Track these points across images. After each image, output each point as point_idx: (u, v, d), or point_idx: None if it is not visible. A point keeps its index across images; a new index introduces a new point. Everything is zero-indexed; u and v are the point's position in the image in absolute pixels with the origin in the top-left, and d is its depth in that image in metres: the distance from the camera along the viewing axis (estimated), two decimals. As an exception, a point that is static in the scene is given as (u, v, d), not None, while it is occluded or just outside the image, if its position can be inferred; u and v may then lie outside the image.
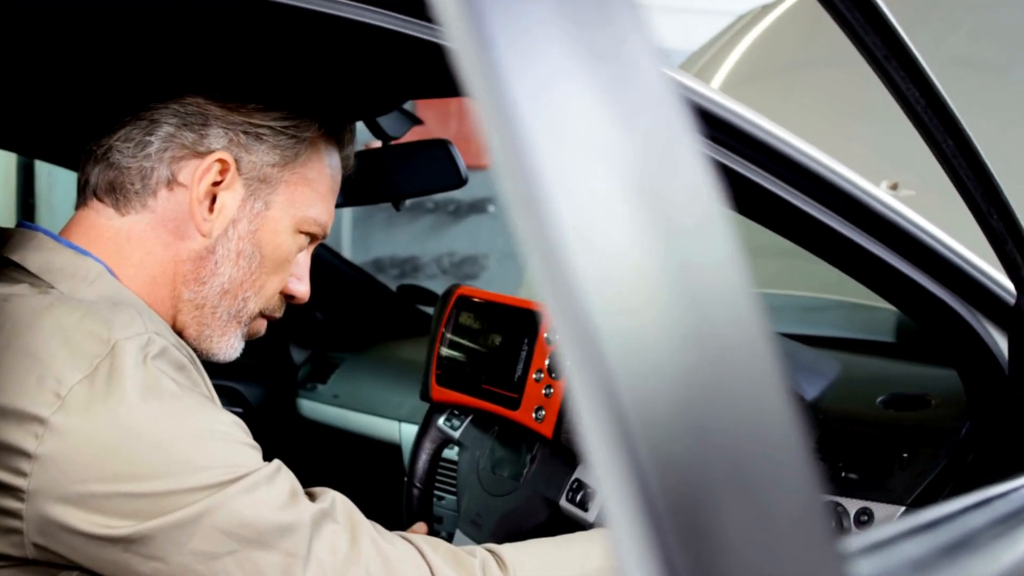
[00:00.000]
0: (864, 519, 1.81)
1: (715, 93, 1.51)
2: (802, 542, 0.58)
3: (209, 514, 1.33)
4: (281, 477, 1.41)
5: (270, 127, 1.60)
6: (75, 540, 1.33)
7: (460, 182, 2.27)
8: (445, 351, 2.07)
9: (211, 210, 1.58)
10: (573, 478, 1.90)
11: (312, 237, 1.69)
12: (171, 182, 1.56)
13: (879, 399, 2.02)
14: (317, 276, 1.95)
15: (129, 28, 1.58)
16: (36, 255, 1.53)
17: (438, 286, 3.63)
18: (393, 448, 2.94)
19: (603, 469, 0.55)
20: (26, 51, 1.70)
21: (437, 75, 1.70)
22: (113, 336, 1.36)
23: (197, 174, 1.56)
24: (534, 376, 1.87)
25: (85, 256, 1.54)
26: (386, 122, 2.24)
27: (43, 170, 4.22)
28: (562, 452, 1.90)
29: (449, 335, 2.07)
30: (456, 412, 2.13)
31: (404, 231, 6.54)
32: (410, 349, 3.35)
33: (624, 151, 0.59)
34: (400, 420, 2.94)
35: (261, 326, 1.69)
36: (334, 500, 1.46)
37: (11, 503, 1.34)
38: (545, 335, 1.87)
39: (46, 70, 1.80)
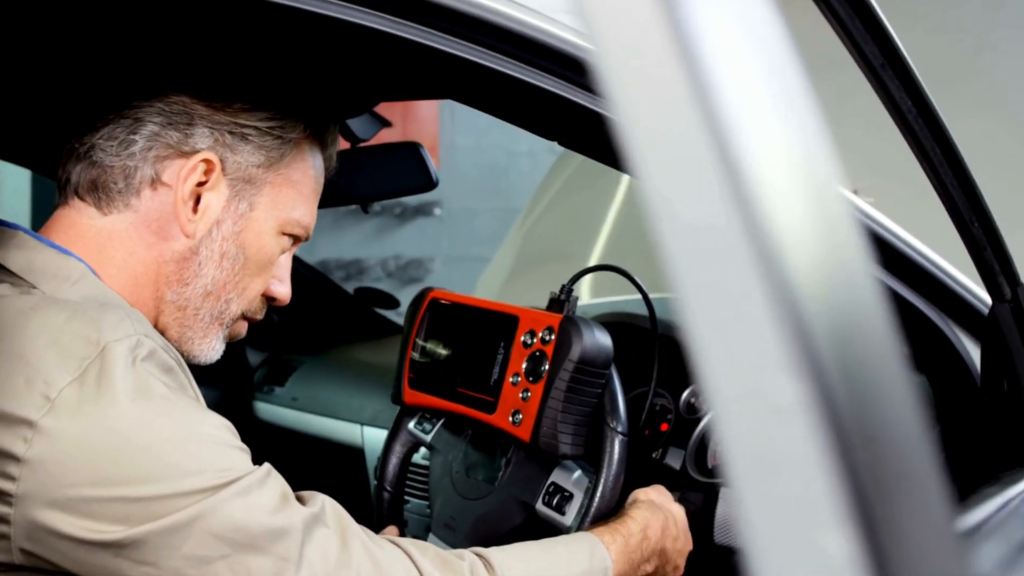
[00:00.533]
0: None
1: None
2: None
3: (201, 518, 1.32)
4: (272, 480, 1.40)
5: (256, 127, 1.59)
6: (64, 545, 1.32)
7: (430, 184, 2.27)
8: (417, 354, 2.07)
9: (195, 211, 1.57)
10: (549, 482, 1.90)
11: (295, 239, 1.68)
12: (155, 181, 1.55)
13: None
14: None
15: (114, 26, 1.58)
16: (17, 254, 1.51)
17: (384, 289, 3.62)
18: (355, 452, 2.93)
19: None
20: (2, 49, 1.68)
21: (416, 76, 1.71)
22: (103, 338, 1.35)
23: (182, 174, 1.55)
24: (511, 380, 1.87)
25: (67, 256, 1.52)
26: (355, 124, 2.24)
27: (-9, 170, 4.17)
28: (538, 456, 1.90)
29: (422, 338, 2.07)
30: (427, 415, 2.12)
31: (350, 233, 6.52)
32: (369, 352, 3.35)
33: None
34: (363, 423, 2.93)
35: (242, 328, 1.68)
36: (324, 504, 1.45)
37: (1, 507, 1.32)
38: (522, 338, 1.87)
39: (24, 69, 1.78)
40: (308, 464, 3.21)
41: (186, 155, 1.56)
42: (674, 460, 2.00)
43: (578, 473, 1.89)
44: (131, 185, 1.55)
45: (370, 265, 6.47)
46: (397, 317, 3.70)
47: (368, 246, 6.48)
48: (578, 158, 4.02)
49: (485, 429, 1.97)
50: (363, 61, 1.65)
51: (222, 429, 1.41)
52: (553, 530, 1.88)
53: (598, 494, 1.81)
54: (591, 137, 1.64)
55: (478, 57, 1.41)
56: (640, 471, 1.94)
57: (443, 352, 2.03)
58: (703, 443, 2.11)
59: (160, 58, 1.63)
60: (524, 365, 1.86)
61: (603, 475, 1.81)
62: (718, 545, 1.97)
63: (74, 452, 1.31)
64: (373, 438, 2.88)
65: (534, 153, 6.80)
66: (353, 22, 1.34)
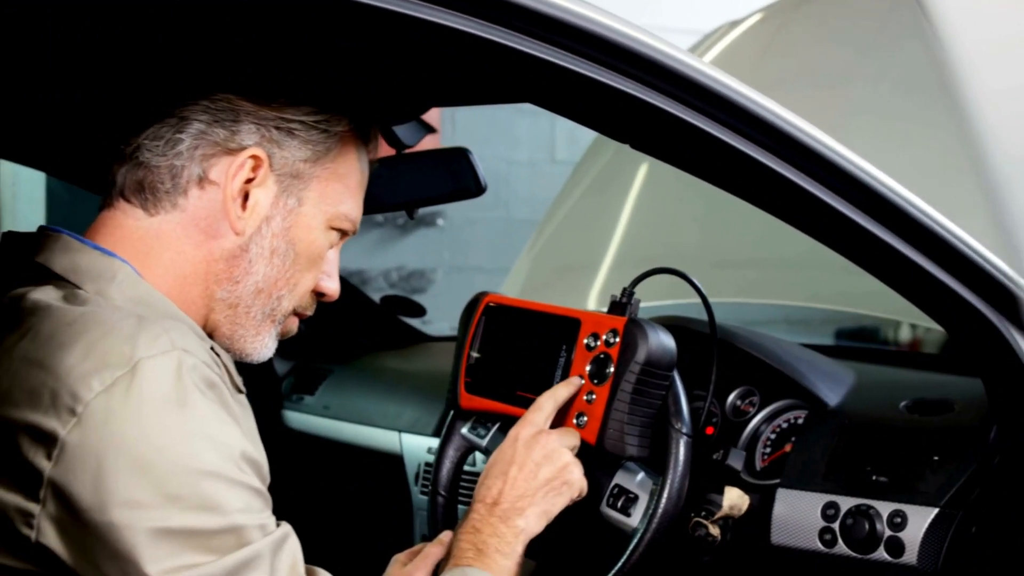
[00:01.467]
0: (898, 521, 1.84)
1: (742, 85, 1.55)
2: None
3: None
4: (285, 552, 1.42)
5: (301, 122, 1.59)
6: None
7: (479, 190, 2.27)
8: (474, 358, 2.07)
9: (244, 208, 1.57)
10: (613, 484, 1.91)
11: (343, 233, 1.68)
12: (202, 180, 1.55)
13: (902, 404, 2.06)
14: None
15: (156, 24, 1.57)
16: (61, 257, 1.51)
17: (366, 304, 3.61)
18: (394, 459, 2.92)
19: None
20: (45, 49, 1.68)
21: (490, 78, 1.71)
22: (136, 354, 1.34)
23: (230, 171, 1.55)
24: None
25: (111, 257, 1.51)
26: (401, 131, 2.24)
27: (7, 178, 4.16)
28: (600, 458, 1.91)
29: (479, 342, 2.07)
30: (482, 420, 2.12)
31: (352, 244, 6.48)
32: (399, 360, 3.35)
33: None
34: (400, 430, 2.93)
35: (293, 324, 1.68)
36: None
37: (23, 528, 1.33)
38: (585, 341, 1.88)
39: (61, 72, 1.78)
40: (344, 472, 3.21)
41: (233, 152, 1.55)
42: (735, 461, 2.00)
43: (641, 475, 1.90)
44: (178, 184, 1.54)
45: (373, 276, 6.46)
46: (422, 325, 3.71)
47: (371, 257, 6.47)
48: (597, 165, 4.04)
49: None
50: (437, 63, 1.66)
51: (252, 466, 1.41)
52: (618, 531, 1.89)
53: (665, 495, 1.81)
54: (661, 139, 1.65)
55: (555, 58, 1.42)
56: (702, 473, 1.95)
57: (501, 356, 2.03)
58: (752, 445, 2.12)
59: (204, 56, 1.63)
60: (588, 368, 1.87)
61: (669, 476, 1.82)
62: (775, 546, 1.97)
63: (96, 468, 1.31)
64: (412, 445, 2.88)
65: (534, 163, 6.81)
66: (436, 22, 1.34)
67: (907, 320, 4.37)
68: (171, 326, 1.41)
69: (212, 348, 1.53)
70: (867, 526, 1.86)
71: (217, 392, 1.40)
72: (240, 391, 1.59)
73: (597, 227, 4.02)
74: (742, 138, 1.56)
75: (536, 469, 1.78)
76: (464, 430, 2.13)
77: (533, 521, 1.76)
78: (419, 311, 3.49)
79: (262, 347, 1.63)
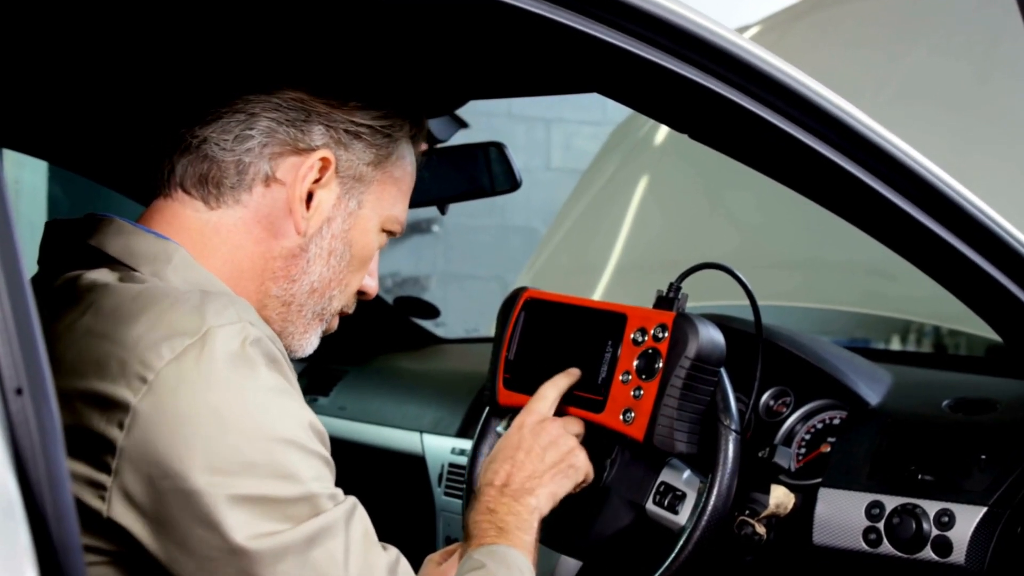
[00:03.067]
0: (945, 520, 1.82)
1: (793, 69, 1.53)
2: None
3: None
4: (356, 520, 1.41)
5: (370, 126, 1.59)
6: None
7: (515, 185, 2.25)
8: (513, 354, 2.04)
9: (307, 208, 1.56)
10: (659, 481, 1.89)
11: (390, 234, 1.69)
12: (269, 178, 1.54)
13: (944, 403, 2.04)
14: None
15: (231, 17, 1.55)
16: (115, 240, 1.50)
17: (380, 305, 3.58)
18: (415, 460, 2.90)
19: None
20: (114, 34, 1.66)
21: (558, 65, 1.69)
22: (206, 323, 1.34)
23: (300, 172, 1.54)
24: (621, 378, 1.85)
25: (165, 240, 1.51)
26: (434, 125, 2.22)
27: (9, 179, 4.12)
28: (646, 455, 1.89)
29: (518, 338, 2.04)
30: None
31: (346, 251, 6.49)
32: (414, 362, 3.32)
33: None
34: (422, 431, 2.90)
35: (335, 322, 1.69)
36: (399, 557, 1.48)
37: (93, 502, 1.31)
38: (632, 336, 1.85)
39: (129, 60, 1.76)
40: (363, 473, 3.16)
41: (301, 152, 1.55)
42: (782, 459, 1.98)
43: (688, 473, 1.87)
44: (244, 180, 1.54)
45: (367, 283, 6.44)
46: (434, 328, 3.68)
47: (365, 263, 6.46)
48: (604, 175, 4.03)
49: (587, 428, 1.94)
50: (493, 51, 1.64)
51: (319, 438, 1.41)
52: (664, 530, 1.86)
53: (714, 492, 1.79)
54: (720, 128, 1.63)
55: (623, 42, 1.41)
56: (747, 471, 1.92)
57: (542, 352, 2.01)
58: (786, 445, 2.10)
59: (275, 50, 1.61)
60: (635, 363, 1.84)
61: (719, 473, 1.80)
62: (818, 546, 1.95)
63: (170, 436, 1.30)
64: (434, 446, 2.85)
65: (530, 170, 6.79)
66: (510, 4, 1.33)
67: (929, 321, 4.39)
68: (235, 299, 1.42)
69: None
70: (914, 525, 1.84)
71: (279, 367, 1.39)
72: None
73: (603, 234, 4.02)
74: (803, 129, 1.55)
75: (542, 453, 1.79)
76: (500, 428, 2.10)
77: (543, 500, 1.76)
78: (433, 313, 3.47)
79: (307, 344, 1.64)
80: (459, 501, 2.41)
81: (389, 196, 1.64)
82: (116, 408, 1.30)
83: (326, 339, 3.29)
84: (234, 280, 1.54)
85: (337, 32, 1.60)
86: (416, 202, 2.32)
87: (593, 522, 1.92)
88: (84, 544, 1.31)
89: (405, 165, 1.67)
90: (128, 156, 2.33)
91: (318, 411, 3.23)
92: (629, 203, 3.97)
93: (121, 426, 1.30)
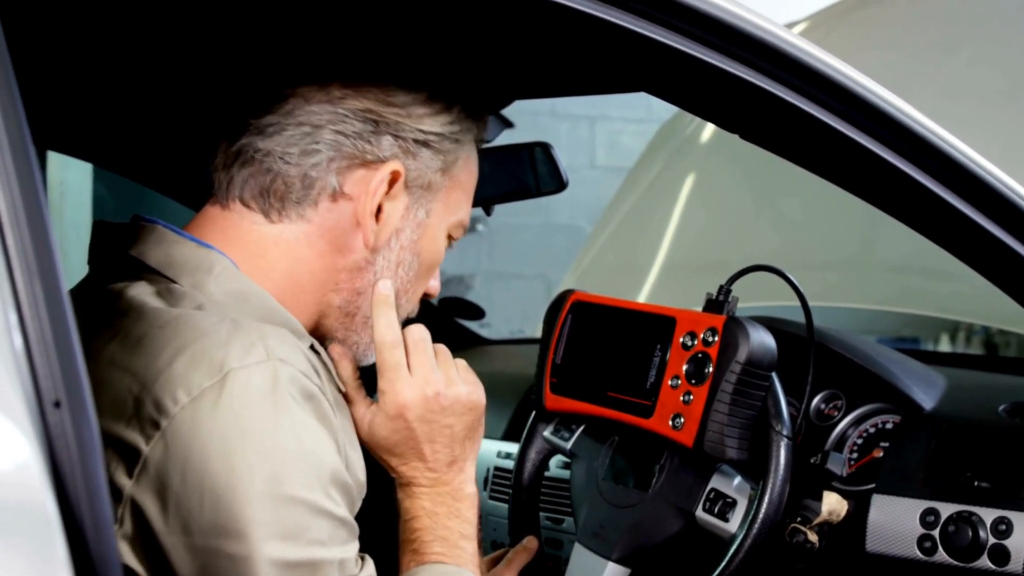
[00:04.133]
0: (1003, 528, 1.78)
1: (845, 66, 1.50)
2: None
3: None
4: None
5: (439, 133, 1.54)
6: None
7: (561, 186, 2.22)
8: (560, 358, 2.01)
9: (377, 221, 1.51)
10: (709, 488, 1.85)
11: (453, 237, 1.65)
12: (336, 193, 1.49)
13: (1001, 408, 2.00)
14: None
15: (293, 25, 1.54)
16: (156, 249, 1.46)
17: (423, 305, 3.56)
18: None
19: None
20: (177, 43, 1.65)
21: (610, 64, 1.67)
22: (227, 364, 1.28)
23: (371, 186, 1.49)
24: (670, 382, 1.82)
25: (208, 249, 1.46)
26: (479, 125, 2.19)
27: (54, 181, 4.14)
28: (696, 461, 1.85)
29: (565, 341, 2.02)
30: (565, 422, 2.07)
31: (390, 250, 6.49)
32: (459, 363, 3.29)
33: None
34: (468, 433, 2.87)
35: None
36: None
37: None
38: (681, 340, 1.82)
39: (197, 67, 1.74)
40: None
41: (370, 165, 1.50)
42: (835, 466, 1.94)
43: (739, 479, 1.84)
44: (309, 195, 1.49)
45: (411, 282, 6.43)
46: (479, 327, 3.65)
47: (409, 263, 6.45)
48: (650, 174, 4.01)
49: (635, 434, 1.92)
50: (542, 49, 1.62)
51: (340, 490, 1.35)
52: (714, 537, 1.83)
53: (766, 500, 1.75)
54: (774, 128, 1.60)
55: (674, 41, 1.38)
56: (799, 478, 1.89)
57: (590, 356, 1.98)
58: (837, 450, 2.06)
59: (336, 58, 1.58)
60: (685, 367, 1.81)
61: (771, 480, 1.76)
62: (871, 554, 1.91)
63: (177, 488, 1.25)
64: (480, 448, 2.82)
65: (574, 168, 6.75)
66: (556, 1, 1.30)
67: (959, 319, 4.33)
68: (267, 332, 1.35)
69: (312, 346, 1.47)
70: (970, 533, 1.80)
71: (315, 403, 1.34)
72: (340, 391, 1.53)
73: (649, 233, 4.00)
74: (856, 127, 1.51)
75: (451, 432, 1.59)
76: (547, 432, 2.08)
77: (471, 470, 1.63)
78: (478, 313, 3.44)
79: (372, 354, 1.59)
80: (504, 505, 2.37)
81: (455, 201, 1.61)
82: (128, 452, 1.27)
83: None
84: (292, 292, 1.49)
85: (393, 36, 1.57)
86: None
87: (642, 529, 1.88)
88: None
89: (471, 167, 1.63)
90: (172, 160, 2.33)
91: (363, 412, 3.21)
92: (675, 202, 3.94)
93: (130, 474, 1.26)
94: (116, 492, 1.26)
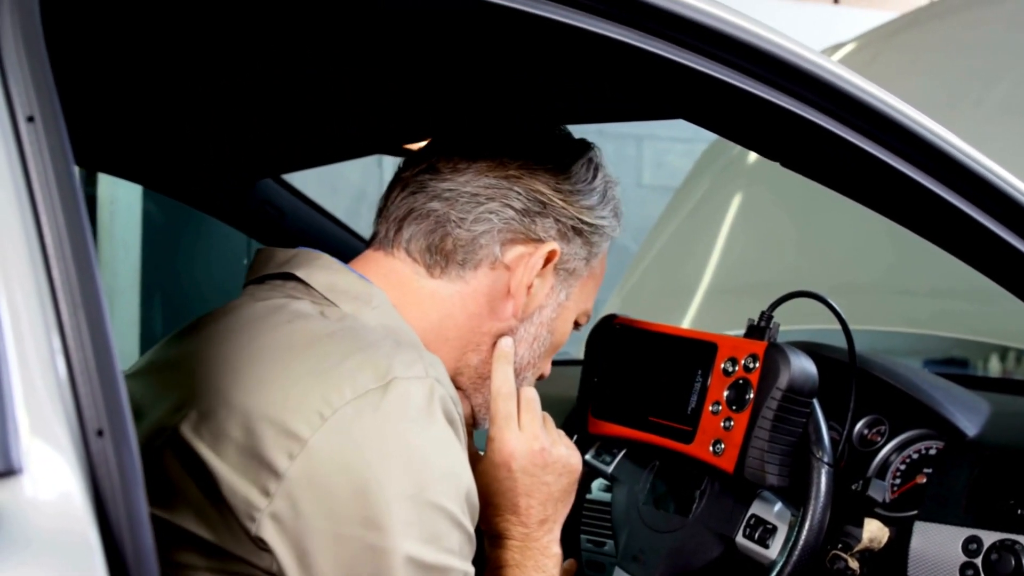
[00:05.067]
0: (1046, 557, 1.77)
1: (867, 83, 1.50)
2: None
3: None
4: None
5: (593, 224, 1.65)
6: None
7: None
8: (601, 382, 2.02)
9: (527, 294, 1.61)
10: (749, 514, 1.85)
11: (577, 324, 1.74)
12: (496, 261, 1.59)
13: (1045, 435, 1.99)
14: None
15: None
16: (320, 274, 1.55)
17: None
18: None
19: None
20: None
21: (647, 92, 1.68)
22: (392, 372, 1.34)
23: (532, 262, 1.59)
24: (711, 408, 1.82)
25: (369, 284, 1.55)
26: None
27: (105, 199, 4.19)
28: (736, 487, 1.85)
29: (606, 366, 2.02)
30: (607, 446, 2.07)
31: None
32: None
33: None
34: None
35: None
36: None
37: (246, 522, 1.31)
38: (722, 366, 1.82)
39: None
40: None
41: (531, 242, 1.60)
42: (876, 492, 1.93)
43: (779, 505, 1.83)
44: (472, 259, 1.58)
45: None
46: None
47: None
48: (696, 193, 4.00)
49: (676, 459, 1.92)
50: (587, 78, 1.63)
51: (473, 511, 1.40)
52: (754, 564, 1.83)
53: (806, 527, 1.75)
54: (814, 156, 1.60)
55: (711, 70, 1.38)
56: (840, 504, 1.88)
57: (631, 380, 1.98)
58: (880, 476, 2.05)
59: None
60: (726, 393, 1.81)
61: (811, 507, 1.76)
62: (913, 581, 1.90)
63: (331, 477, 1.29)
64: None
65: (622, 187, 6.72)
66: (598, 33, 1.31)
67: (1003, 342, 4.29)
68: (426, 354, 1.42)
69: None
70: (1013, 562, 1.78)
71: (456, 428, 1.39)
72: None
73: (695, 254, 3.99)
74: (897, 156, 1.51)
75: (547, 489, 1.66)
76: (588, 456, 2.09)
77: (558, 531, 1.69)
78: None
79: (487, 419, 1.67)
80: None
81: (588, 290, 1.71)
82: (290, 437, 1.31)
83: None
84: (436, 342, 1.57)
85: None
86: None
87: (682, 554, 1.89)
88: (233, 554, 1.32)
89: (604, 260, 1.73)
90: (220, 183, 2.35)
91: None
92: (720, 223, 3.93)
93: (291, 456, 1.30)
94: (275, 470, 1.30)
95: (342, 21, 1.46)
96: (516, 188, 1.59)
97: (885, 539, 1.89)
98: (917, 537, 1.90)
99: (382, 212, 1.65)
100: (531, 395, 1.67)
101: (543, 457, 1.64)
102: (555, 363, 3.45)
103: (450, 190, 1.59)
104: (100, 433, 0.92)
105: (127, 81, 1.78)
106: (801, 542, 1.75)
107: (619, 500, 2.04)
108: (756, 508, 1.85)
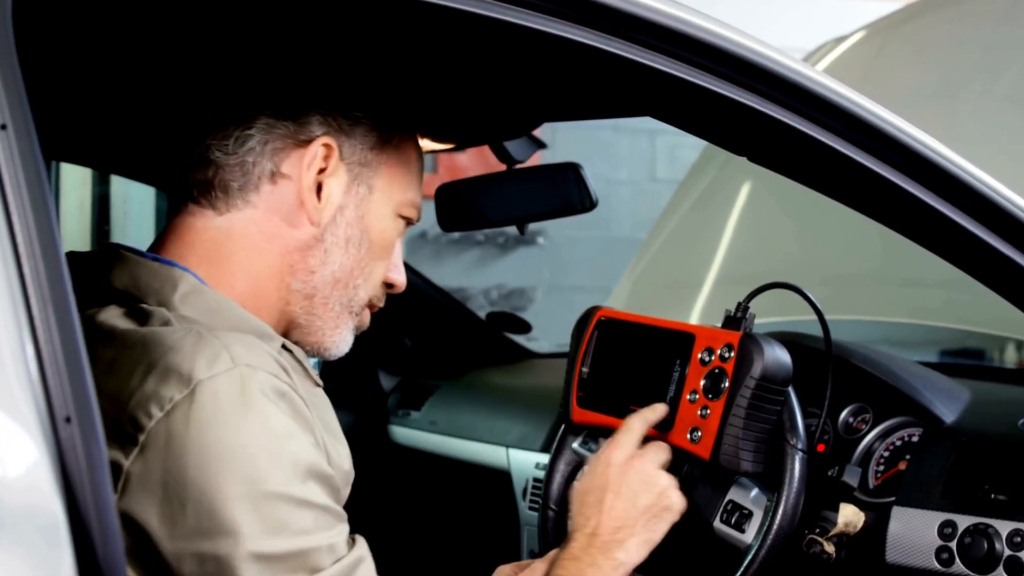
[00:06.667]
0: (1018, 540, 1.81)
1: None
2: None
3: None
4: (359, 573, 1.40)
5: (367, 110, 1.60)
6: None
7: (590, 205, 2.27)
8: (586, 372, 2.07)
9: (318, 198, 1.57)
10: (726, 500, 1.90)
11: (408, 221, 1.68)
12: (274, 175, 1.55)
13: (1021, 421, 2.02)
14: (407, 301, 1.96)
15: (228, 25, 1.59)
16: (120, 273, 1.52)
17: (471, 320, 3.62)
18: (501, 474, 2.93)
19: None
20: (129, 54, 1.70)
21: (610, 92, 1.73)
22: (195, 376, 1.33)
23: (304, 162, 1.55)
24: (688, 397, 1.87)
25: (171, 267, 1.51)
26: (512, 146, 2.25)
27: (118, 198, 4.25)
28: (714, 474, 1.90)
29: (590, 356, 2.07)
30: (593, 435, 2.12)
31: (451, 263, 6.55)
32: (505, 376, 3.36)
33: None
34: (508, 446, 2.93)
35: (367, 317, 1.68)
36: None
37: None
38: (699, 356, 1.87)
39: (149, 74, 1.80)
40: (451, 487, 3.22)
41: (303, 144, 1.55)
42: (851, 478, 1.98)
43: (756, 491, 1.88)
44: (249, 181, 1.54)
45: (473, 294, 6.48)
46: (527, 342, 3.71)
47: (471, 276, 6.50)
48: (701, 183, 4.03)
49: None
50: (553, 77, 1.68)
51: (321, 481, 1.40)
52: (731, 548, 1.88)
53: (780, 512, 1.80)
54: (778, 151, 1.64)
55: (676, 71, 1.43)
56: (816, 489, 1.93)
57: (614, 370, 2.03)
58: (865, 463, 2.10)
59: (275, 60, 1.63)
60: (702, 382, 1.86)
61: (784, 493, 1.81)
62: (891, 564, 1.95)
63: (159, 498, 1.31)
64: (519, 460, 2.88)
65: (635, 181, 6.80)
66: (563, 36, 1.36)
67: (1016, 336, 4.30)
68: (231, 340, 1.39)
69: (284, 345, 1.54)
70: (986, 545, 1.83)
71: (287, 401, 1.39)
72: (317, 384, 1.58)
73: (701, 245, 4.02)
74: (859, 149, 1.55)
75: (633, 497, 1.76)
76: (575, 445, 2.13)
77: (634, 552, 1.74)
78: (524, 327, 3.50)
79: (340, 340, 1.63)
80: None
81: (399, 179, 1.64)
82: (111, 471, 1.29)
83: (419, 354, 3.36)
84: (253, 285, 1.54)
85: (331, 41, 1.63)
86: (496, 221, 2.38)
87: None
88: None
89: (411, 148, 1.67)
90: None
91: (410, 425, 3.29)
92: (728, 214, 3.95)
93: (115, 489, 1.31)
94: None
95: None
96: (272, 97, 1.55)
97: (860, 524, 1.94)
98: (895, 522, 1.95)
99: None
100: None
101: (643, 466, 1.77)
102: (560, 355, 3.50)
103: (208, 119, 1.55)
104: (68, 420, 0.98)
105: (122, 76, 1.82)
106: (775, 527, 1.80)
107: (604, 487, 2.09)
108: (733, 494, 1.90)
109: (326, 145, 1.56)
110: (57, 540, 0.95)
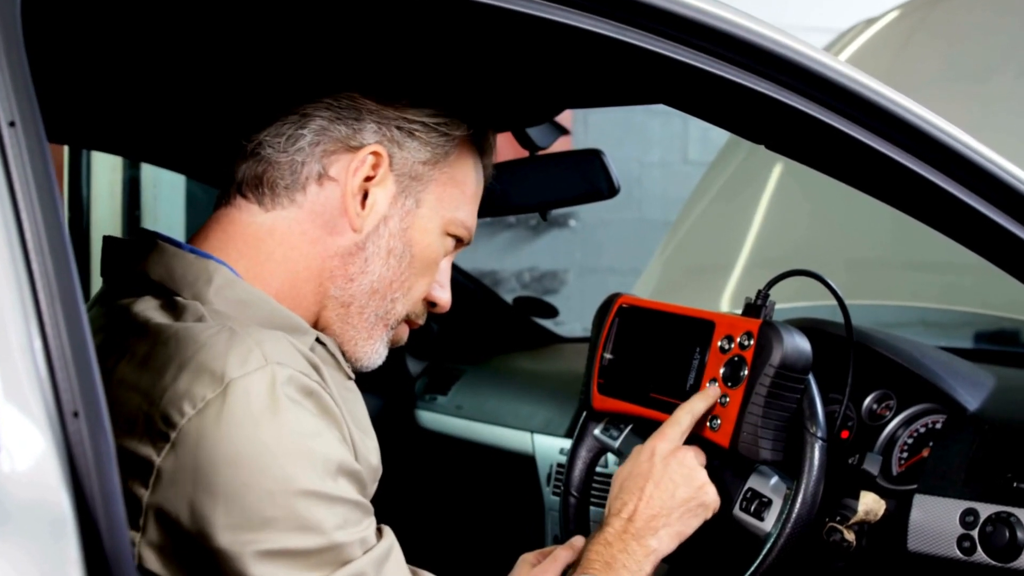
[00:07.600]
0: (1039, 529, 1.80)
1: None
2: None
3: None
4: (389, 566, 1.42)
5: (422, 123, 1.59)
6: None
7: (612, 192, 2.27)
8: (607, 359, 2.07)
9: (363, 205, 1.57)
10: (746, 487, 1.90)
11: (458, 241, 1.68)
12: (322, 177, 1.56)
13: (1045, 409, 2.01)
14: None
15: (283, 22, 1.59)
16: (156, 264, 1.52)
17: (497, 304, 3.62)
18: (526, 459, 2.94)
19: None
20: (174, 47, 1.71)
21: (627, 80, 1.72)
22: (228, 374, 1.34)
23: (351, 168, 1.55)
24: (708, 385, 1.87)
25: (207, 259, 1.51)
26: (535, 132, 2.25)
27: (148, 182, 4.26)
28: (733, 461, 1.90)
29: (611, 343, 2.07)
30: (614, 421, 2.12)
31: (484, 246, 6.53)
32: (531, 361, 3.36)
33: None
34: (533, 431, 2.94)
35: (404, 333, 1.67)
36: None
37: None
38: (719, 343, 1.87)
39: (195, 69, 1.81)
40: (476, 472, 3.23)
41: (353, 150, 1.56)
42: (872, 466, 1.97)
43: (775, 479, 1.88)
44: (297, 180, 1.55)
45: (505, 277, 6.48)
46: (554, 326, 3.72)
47: (503, 258, 6.49)
48: (730, 167, 4.01)
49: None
50: (570, 65, 1.67)
51: (350, 481, 1.41)
52: (750, 536, 1.87)
53: (799, 500, 1.80)
54: (797, 139, 1.64)
55: (691, 59, 1.43)
56: (837, 477, 1.92)
57: (635, 357, 2.03)
58: (888, 450, 2.09)
59: (330, 54, 1.64)
60: (722, 370, 1.86)
61: (804, 481, 1.80)
62: (912, 553, 1.94)
63: (192, 495, 1.32)
64: (544, 446, 2.89)
65: (667, 163, 6.77)
66: (572, 25, 1.36)
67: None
68: (263, 338, 1.40)
69: (318, 339, 1.54)
70: (1007, 534, 1.82)
71: (316, 399, 1.40)
72: (349, 377, 1.59)
73: (730, 229, 4.00)
74: (879, 137, 1.55)
75: (673, 488, 1.78)
76: (596, 431, 2.13)
77: (666, 541, 1.76)
78: (551, 312, 3.50)
79: (373, 352, 1.62)
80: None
81: (450, 197, 1.64)
82: (142, 465, 1.34)
83: (446, 339, 3.37)
84: (290, 284, 1.55)
85: (379, 32, 1.62)
86: (517, 208, 2.38)
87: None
88: None
89: (468, 168, 1.66)
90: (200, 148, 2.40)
91: (436, 410, 3.29)
92: (754, 198, 3.94)
93: (146, 484, 1.33)
94: (135, 502, 1.34)
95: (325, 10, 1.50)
96: (325, 99, 1.56)
97: (881, 511, 1.93)
98: (917, 510, 1.94)
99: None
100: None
101: (685, 460, 1.80)
102: (581, 340, 3.50)
103: (263, 116, 1.58)
104: (76, 414, 0.99)
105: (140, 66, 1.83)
106: (794, 515, 1.79)
107: (624, 474, 2.09)
108: (753, 482, 1.89)
109: (375, 153, 1.56)
110: (64, 534, 0.96)
